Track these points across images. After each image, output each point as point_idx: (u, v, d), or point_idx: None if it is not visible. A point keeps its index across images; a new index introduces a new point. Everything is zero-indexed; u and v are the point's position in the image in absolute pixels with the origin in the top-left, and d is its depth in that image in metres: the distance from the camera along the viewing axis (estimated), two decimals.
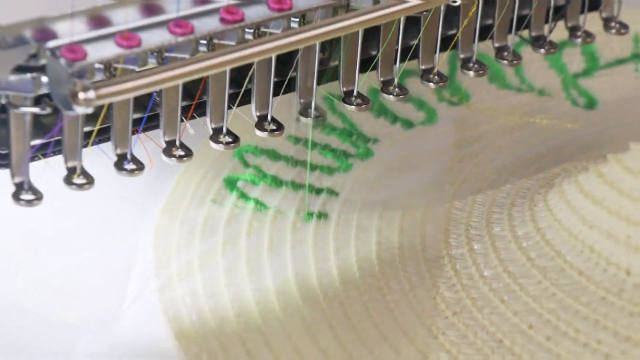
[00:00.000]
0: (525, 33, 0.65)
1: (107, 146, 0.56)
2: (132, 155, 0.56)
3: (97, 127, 0.55)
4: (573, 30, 0.66)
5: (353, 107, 0.60)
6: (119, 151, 0.56)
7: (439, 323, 0.59)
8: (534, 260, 0.62)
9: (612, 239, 0.61)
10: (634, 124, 0.74)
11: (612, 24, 0.67)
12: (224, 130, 0.60)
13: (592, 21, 0.67)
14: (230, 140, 0.61)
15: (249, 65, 0.59)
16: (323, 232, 0.66)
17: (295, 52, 0.60)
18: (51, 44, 0.51)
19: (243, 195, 0.68)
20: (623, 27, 0.68)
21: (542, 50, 0.65)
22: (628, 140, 0.68)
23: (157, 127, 0.58)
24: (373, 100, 0.70)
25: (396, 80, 0.62)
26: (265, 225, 0.66)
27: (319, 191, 0.70)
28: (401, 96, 0.62)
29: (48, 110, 0.52)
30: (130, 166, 0.55)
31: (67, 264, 0.63)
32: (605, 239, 0.62)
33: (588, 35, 0.66)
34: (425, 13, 0.59)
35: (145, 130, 0.57)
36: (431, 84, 0.61)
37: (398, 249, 0.64)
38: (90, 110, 0.50)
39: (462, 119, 0.74)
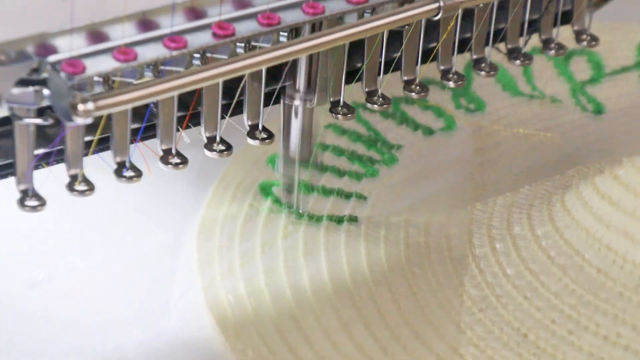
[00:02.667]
0: (501, 46, 0.54)
1: (107, 155, 0.47)
2: (130, 163, 0.47)
3: (97, 136, 0.47)
4: (546, 43, 0.55)
5: (339, 116, 0.50)
6: (118, 159, 0.47)
7: (466, 319, 0.50)
8: (554, 259, 0.51)
9: (628, 238, 0.51)
10: (636, 130, 0.61)
11: (584, 36, 0.55)
12: (218, 139, 0.49)
13: (564, 34, 0.55)
14: (223, 148, 0.49)
15: (241, 77, 0.49)
16: (354, 235, 0.54)
17: (285, 64, 0.50)
18: (52, 58, 0.43)
19: (277, 201, 0.56)
20: (594, 40, 0.55)
21: (517, 62, 0.54)
22: (635, 144, 0.61)
23: (154, 136, 0.49)
24: (394, 109, 0.63)
25: (380, 91, 0.51)
26: (299, 229, 0.55)
27: (348, 196, 0.57)
28: (384, 105, 0.51)
29: (50, 121, 0.44)
30: (129, 173, 0.47)
31: (118, 265, 0.53)
32: (622, 237, 0.51)
33: (560, 47, 0.54)
34: (406, 27, 0.49)
35: (143, 139, 0.48)
36: (413, 94, 0.51)
37: (425, 249, 0.53)
38: (89, 120, 0.42)
39: (479, 127, 0.62)
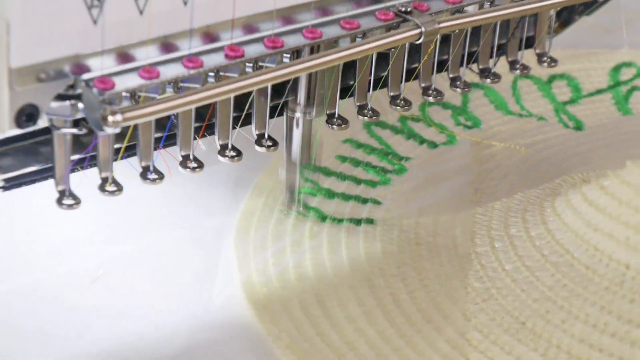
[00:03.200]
0: (474, 66, 0.51)
1: (134, 160, 0.45)
2: (154, 167, 0.45)
3: (125, 144, 0.44)
4: (512, 64, 0.51)
5: (334, 127, 0.49)
6: (143, 164, 0.45)
7: (471, 308, 0.47)
8: (547, 257, 0.48)
9: (613, 240, 0.48)
10: (615, 143, 0.58)
11: (544, 58, 0.51)
12: (229, 146, 0.47)
13: (527, 56, 0.52)
14: (234, 154, 0.47)
15: (249, 93, 0.47)
16: (371, 235, 0.51)
17: (287, 81, 0.48)
18: (85, 76, 0.41)
19: (305, 206, 0.53)
20: (553, 61, 0.51)
21: (488, 80, 0.50)
22: (611, 156, 0.56)
23: (174, 144, 0.46)
24: (402, 126, 0.60)
25: (369, 105, 0.49)
26: (323, 230, 0.51)
27: (365, 201, 0.54)
28: (373, 118, 0.49)
29: (84, 131, 0.42)
30: (152, 176, 0.45)
31: (166, 263, 0.50)
32: (607, 239, 0.48)
33: (525, 68, 0.51)
34: (392, 50, 0.47)
35: (164, 146, 0.46)
36: (398, 107, 0.49)
37: (433, 247, 0.50)
38: (118, 130, 0.41)
39: (476, 142, 0.59)
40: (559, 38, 0.58)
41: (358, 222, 0.53)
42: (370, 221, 0.53)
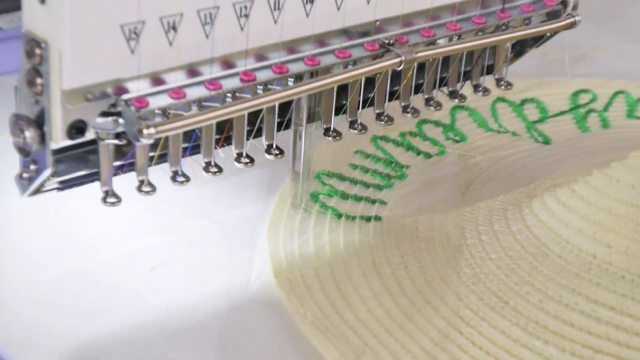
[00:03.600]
0: (445, 89, 0.50)
1: (165, 166, 0.45)
2: (182, 171, 0.44)
3: (158, 152, 0.44)
4: (476, 87, 0.50)
5: (329, 138, 0.48)
6: (173, 169, 0.44)
7: (463, 290, 0.46)
8: (526, 248, 0.47)
9: (582, 235, 0.46)
10: (577, 155, 0.57)
11: (502, 82, 0.50)
12: (244, 154, 0.46)
13: (488, 81, 0.51)
14: (247, 161, 0.46)
15: (260, 110, 0.46)
16: (379, 230, 0.50)
17: (292, 101, 0.47)
18: (125, 96, 0.41)
19: (323, 205, 0.51)
20: (509, 85, 0.50)
21: (456, 100, 0.49)
22: (574, 166, 0.54)
23: (198, 152, 0.46)
24: (402, 140, 0.58)
25: (359, 120, 0.48)
26: (340, 226, 0.50)
27: (373, 201, 0.52)
28: (362, 131, 0.48)
29: (124, 142, 0.42)
30: (180, 179, 0.44)
31: (212, 254, 0.49)
32: (577, 234, 0.46)
33: (486, 90, 0.50)
34: (378, 75, 0.47)
35: (190, 154, 0.46)
36: (382, 122, 0.48)
37: (430, 240, 0.49)
38: (152, 141, 0.40)
39: (463, 153, 0.58)
40: (530, 69, 0.56)
41: (368, 219, 0.51)
42: (378, 218, 0.51)
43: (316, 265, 0.48)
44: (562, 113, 0.61)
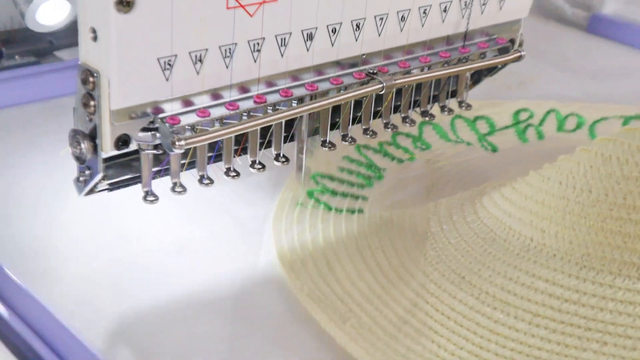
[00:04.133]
0: (417, 109, 0.48)
1: (194, 171, 0.44)
2: (207, 175, 0.43)
3: (188, 160, 0.43)
4: (442, 108, 0.48)
5: (326, 149, 0.47)
6: (200, 173, 0.43)
7: (428, 269, 0.44)
8: (478, 234, 0.45)
9: (521, 222, 0.44)
10: (518, 161, 0.55)
11: (463, 104, 0.48)
12: (257, 161, 0.44)
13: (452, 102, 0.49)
14: (260, 167, 0.44)
15: (270, 126, 0.44)
16: (362, 220, 0.48)
17: (295, 118, 0.45)
18: (161, 115, 0.40)
19: (317, 200, 0.49)
20: (469, 106, 0.48)
21: (427, 118, 0.47)
22: (517, 169, 0.50)
23: (220, 160, 0.44)
24: (380, 148, 0.55)
25: (349, 134, 0.47)
26: (330, 216, 0.48)
27: (357, 197, 0.51)
28: (352, 143, 0.47)
29: (161, 152, 0.41)
30: (206, 181, 0.43)
31: (227, 240, 0.47)
32: (518, 222, 0.44)
33: (450, 110, 0.48)
34: (364, 98, 0.45)
35: (214, 162, 0.44)
36: (367, 136, 0.47)
37: (402, 229, 0.48)
38: (182, 151, 0.39)
39: (429, 159, 0.56)
40: (482, 93, 0.54)
41: (353, 211, 0.49)
42: (360, 211, 0.49)
43: (311, 249, 0.47)
44: (507, 127, 0.60)
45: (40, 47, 0.61)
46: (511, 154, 0.56)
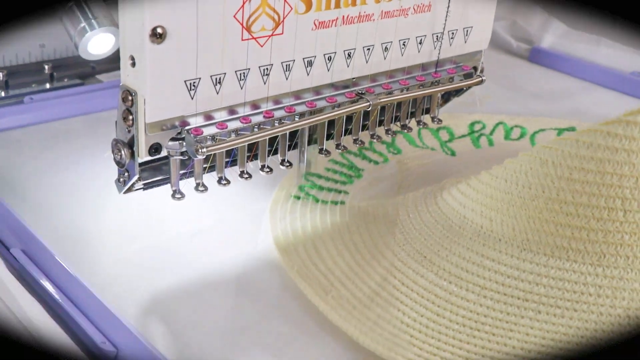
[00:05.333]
0: (398, 123, 0.47)
1: (214, 173, 0.42)
2: (225, 177, 0.41)
3: (209, 164, 0.41)
4: (418, 122, 0.48)
5: (322, 155, 0.45)
6: (218, 175, 0.42)
7: (396, 249, 0.43)
8: (438, 221, 0.44)
9: (474, 212, 0.42)
10: (473, 163, 0.53)
11: (435, 119, 0.48)
12: (266, 166, 0.43)
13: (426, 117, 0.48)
14: (268, 170, 0.43)
15: (276, 136, 0.43)
16: (344, 210, 0.47)
17: (297, 130, 0.44)
18: (187, 127, 0.39)
19: (307, 194, 0.49)
20: (440, 120, 0.48)
21: (406, 130, 0.46)
22: (471, 170, 0.49)
23: (235, 164, 0.43)
24: (359, 152, 0.54)
25: (342, 144, 0.45)
26: (317, 208, 0.47)
27: (340, 192, 0.50)
28: (344, 150, 0.46)
29: (186, 157, 0.40)
30: (223, 182, 0.41)
31: (233, 228, 0.46)
32: (470, 212, 0.42)
33: (425, 124, 0.48)
34: (354, 113, 0.44)
35: (231, 165, 0.43)
36: (357, 145, 0.46)
37: (376, 218, 0.46)
38: (204, 157, 0.38)
39: (399, 162, 0.54)
40: (446, 108, 0.55)
41: (336, 203, 0.49)
42: (342, 203, 0.49)
43: (300, 234, 0.46)
44: (463, 136, 0.59)
45: (84, 71, 0.64)
46: (467, 157, 0.57)
